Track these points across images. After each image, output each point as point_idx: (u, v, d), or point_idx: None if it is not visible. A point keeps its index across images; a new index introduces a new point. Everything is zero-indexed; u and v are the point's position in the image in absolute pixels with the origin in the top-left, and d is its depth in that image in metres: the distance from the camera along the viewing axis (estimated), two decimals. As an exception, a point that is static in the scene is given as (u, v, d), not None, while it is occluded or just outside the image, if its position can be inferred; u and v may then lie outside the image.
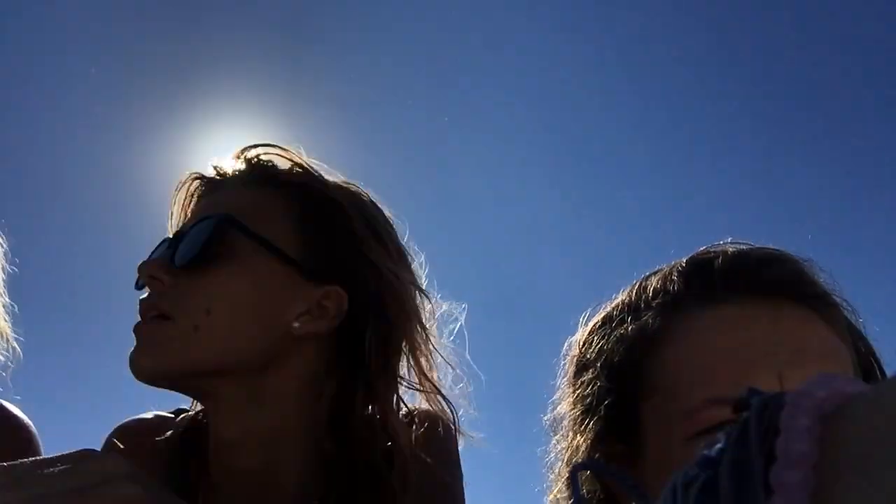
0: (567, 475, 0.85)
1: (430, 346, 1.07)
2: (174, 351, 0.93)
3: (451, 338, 1.12)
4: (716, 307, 0.78)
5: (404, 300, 1.03)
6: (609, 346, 0.84)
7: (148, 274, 0.97)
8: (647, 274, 0.88)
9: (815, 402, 0.27)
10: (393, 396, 1.03)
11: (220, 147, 1.11)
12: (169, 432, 1.06)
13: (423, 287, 1.11)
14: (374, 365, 0.99)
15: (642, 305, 0.84)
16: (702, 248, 0.85)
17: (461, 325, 1.13)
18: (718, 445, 0.29)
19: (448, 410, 1.06)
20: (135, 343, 0.95)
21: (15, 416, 1.34)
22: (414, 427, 1.03)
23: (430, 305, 1.10)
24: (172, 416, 1.11)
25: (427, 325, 1.07)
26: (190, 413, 1.10)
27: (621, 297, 0.89)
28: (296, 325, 0.96)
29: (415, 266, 1.11)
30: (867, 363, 0.82)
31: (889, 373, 0.82)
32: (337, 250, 1.00)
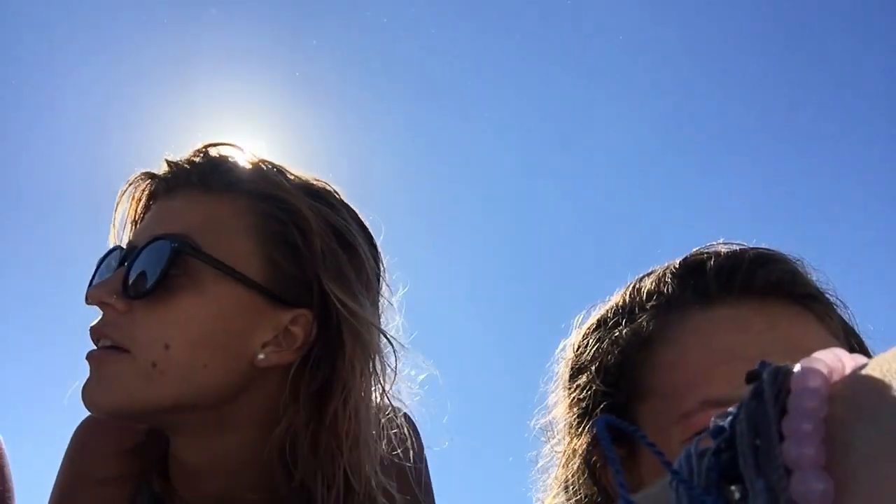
0: (564, 477, 0.84)
1: (377, 399, 0.98)
2: (132, 389, 0.87)
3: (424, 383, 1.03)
4: (710, 309, 0.78)
5: (358, 343, 0.94)
6: (604, 349, 0.84)
7: (98, 300, 0.90)
8: (641, 276, 0.88)
9: (824, 366, 0.28)
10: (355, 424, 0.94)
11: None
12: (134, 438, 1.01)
13: (392, 305, 1.03)
14: (332, 397, 0.93)
15: (636, 308, 0.84)
16: (695, 250, 0.85)
17: (436, 381, 1.04)
18: (730, 417, 0.30)
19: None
20: (88, 373, 0.89)
21: None
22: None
23: (393, 355, 1.00)
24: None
25: (382, 379, 0.98)
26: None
27: (615, 299, 0.89)
28: (261, 356, 0.91)
29: (386, 281, 1.03)
30: None
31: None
32: (302, 272, 0.94)
